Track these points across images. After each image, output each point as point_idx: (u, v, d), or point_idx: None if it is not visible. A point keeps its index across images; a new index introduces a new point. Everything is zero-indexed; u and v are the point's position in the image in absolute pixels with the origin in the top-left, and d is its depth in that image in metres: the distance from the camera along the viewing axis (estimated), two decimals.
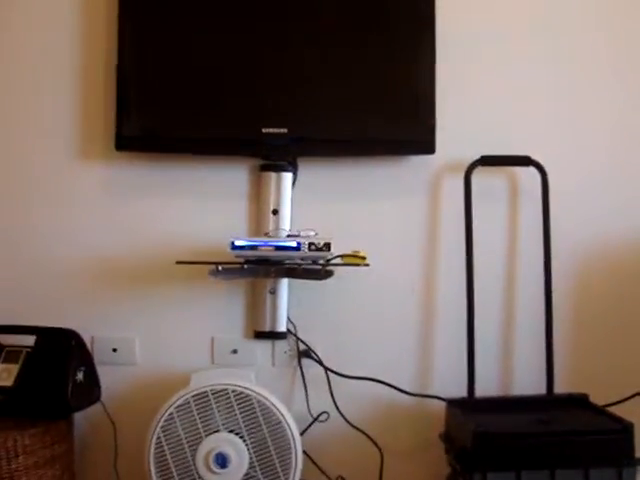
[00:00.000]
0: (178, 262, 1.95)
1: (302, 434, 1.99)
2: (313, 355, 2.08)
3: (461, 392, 1.98)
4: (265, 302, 2.07)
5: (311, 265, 1.93)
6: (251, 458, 1.87)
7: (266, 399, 1.89)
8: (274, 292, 2.06)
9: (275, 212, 2.06)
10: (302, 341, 2.08)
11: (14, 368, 1.93)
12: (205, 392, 1.89)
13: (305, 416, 2.06)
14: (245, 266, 1.91)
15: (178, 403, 1.88)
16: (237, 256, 1.89)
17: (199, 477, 1.86)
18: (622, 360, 2.07)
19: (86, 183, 2.11)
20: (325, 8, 2.02)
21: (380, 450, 2.06)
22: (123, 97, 2.02)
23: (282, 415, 1.88)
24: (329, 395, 2.06)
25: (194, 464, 1.86)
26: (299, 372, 2.08)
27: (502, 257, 2.09)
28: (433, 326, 2.10)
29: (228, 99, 2.02)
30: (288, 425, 1.88)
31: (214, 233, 2.07)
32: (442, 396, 2.02)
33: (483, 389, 2.01)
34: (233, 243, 1.87)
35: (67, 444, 1.95)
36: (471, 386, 1.98)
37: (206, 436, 1.87)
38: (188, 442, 1.88)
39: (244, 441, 1.87)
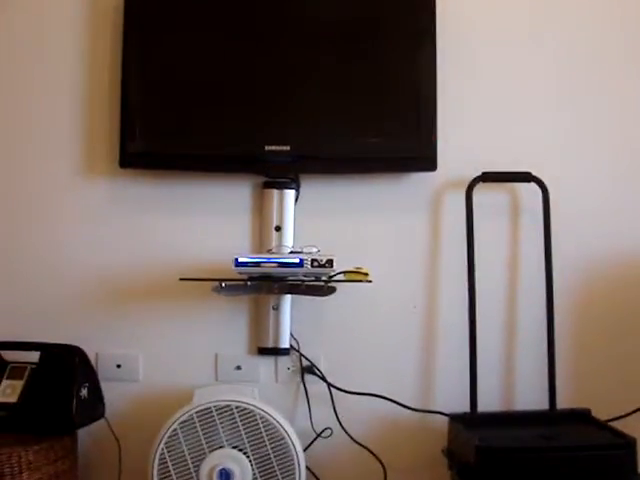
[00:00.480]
0: (182, 279, 1.96)
1: (305, 450, 1.99)
2: (316, 371, 2.08)
3: (464, 407, 1.98)
4: (268, 318, 2.07)
5: (314, 281, 1.93)
6: (254, 474, 1.87)
7: (269, 415, 1.89)
8: (277, 308, 2.07)
9: (278, 229, 2.07)
10: (305, 357, 2.09)
11: (18, 384, 1.93)
12: (209, 408, 1.89)
13: (308, 432, 2.06)
14: (248, 283, 1.91)
15: (182, 419, 1.89)
16: (241, 273, 1.89)
17: None
18: (624, 375, 2.07)
19: (90, 200, 2.12)
20: (326, 27, 2.04)
21: (383, 466, 2.06)
22: (127, 115, 2.03)
23: (285, 431, 1.89)
24: (332, 411, 2.06)
25: None
26: (302, 388, 2.08)
27: (504, 273, 2.10)
28: (435, 342, 2.10)
29: (231, 117, 2.03)
30: (291, 441, 1.88)
31: (217, 250, 2.07)
32: (445, 411, 2.02)
33: (485, 404, 2.01)
34: (237, 260, 1.87)
35: (71, 460, 1.95)
36: (474, 401, 1.97)
37: (210, 452, 1.87)
38: (192, 458, 1.88)
39: (247, 457, 1.87)
